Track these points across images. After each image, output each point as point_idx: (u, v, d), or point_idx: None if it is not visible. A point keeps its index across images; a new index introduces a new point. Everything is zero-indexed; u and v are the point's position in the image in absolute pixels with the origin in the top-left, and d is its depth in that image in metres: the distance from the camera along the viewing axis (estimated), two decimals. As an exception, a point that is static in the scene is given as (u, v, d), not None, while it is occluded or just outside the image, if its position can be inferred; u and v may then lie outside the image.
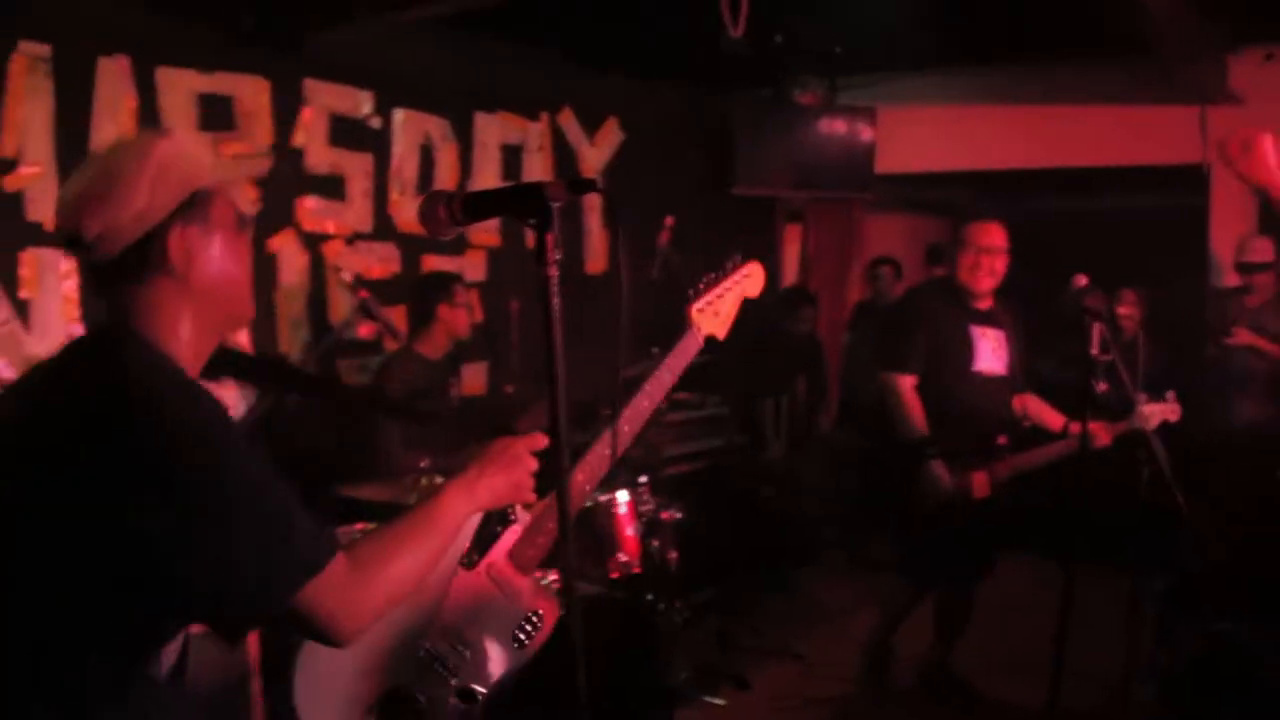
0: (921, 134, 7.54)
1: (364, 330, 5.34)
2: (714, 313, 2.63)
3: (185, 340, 1.76)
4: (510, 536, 2.32)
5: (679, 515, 4.94)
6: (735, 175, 7.21)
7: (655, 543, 4.71)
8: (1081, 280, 3.58)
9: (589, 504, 4.46)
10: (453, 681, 2.23)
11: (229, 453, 1.62)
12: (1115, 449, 4.09)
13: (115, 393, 1.62)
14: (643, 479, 4.81)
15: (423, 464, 4.09)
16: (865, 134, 7.35)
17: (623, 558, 4.52)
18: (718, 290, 2.64)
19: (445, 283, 4.91)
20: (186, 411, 1.62)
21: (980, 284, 4.38)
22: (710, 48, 5.33)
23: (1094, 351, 3.54)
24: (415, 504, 1.95)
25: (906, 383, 4.37)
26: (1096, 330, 3.53)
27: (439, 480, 4.06)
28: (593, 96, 6.59)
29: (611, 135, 6.73)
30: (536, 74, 6.25)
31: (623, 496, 4.56)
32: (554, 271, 1.61)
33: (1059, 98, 7.07)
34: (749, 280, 2.74)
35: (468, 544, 2.26)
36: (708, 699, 4.76)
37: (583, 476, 2.33)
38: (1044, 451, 4.32)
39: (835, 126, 7.35)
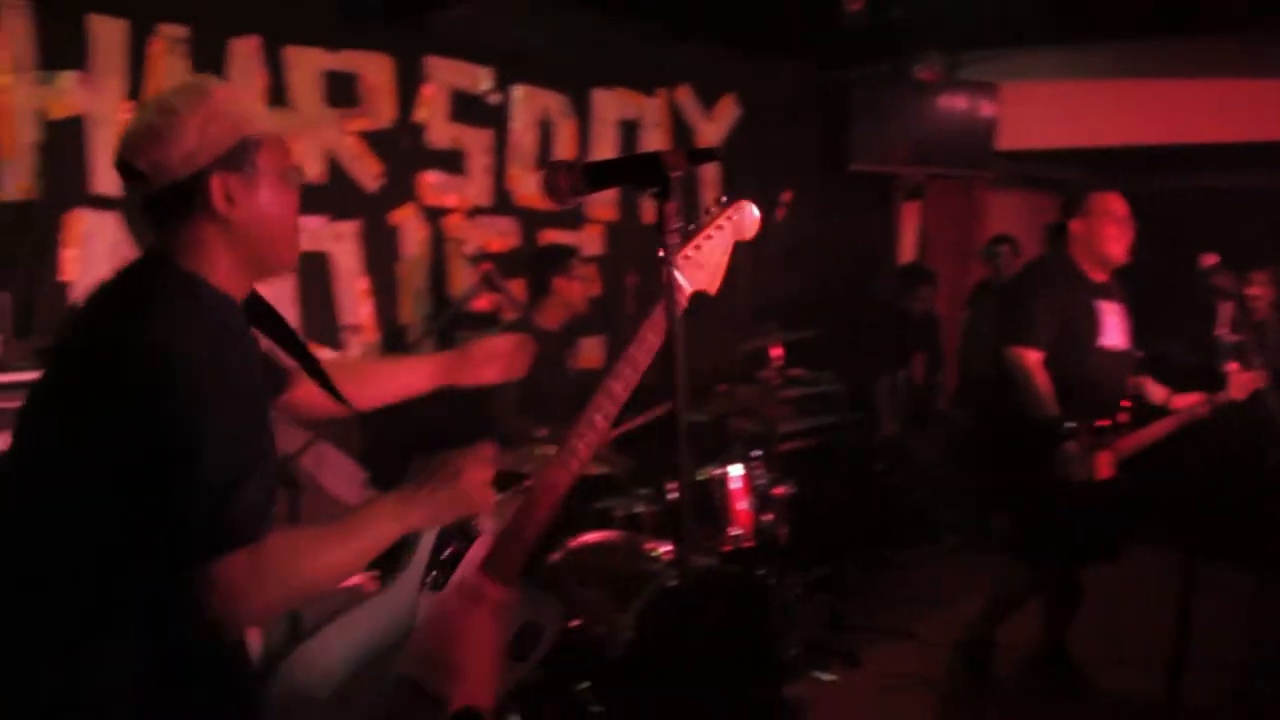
0: (1044, 110, 7.36)
1: (483, 302, 5.44)
2: (697, 265, 2.28)
3: (221, 278, 1.83)
4: (479, 550, 2.18)
5: (792, 491, 4.93)
6: (853, 152, 7.13)
7: (768, 517, 4.72)
8: (1210, 259, 3.47)
9: (702, 478, 4.50)
10: (447, 708, 2.09)
11: (206, 404, 1.65)
12: (1240, 432, 3.97)
13: (132, 329, 1.70)
14: (756, 453, 4.82)
15: (541, 433, 4.15)
16: (986, 110, 7.21)
17: (735, 531, 4.55)
18: (697, 240, 2.29)
19: (561, 255, 4.97)
20: (182, 355, 1.66)
21: (1118, 254, 4.24)
22: (829, 23, 5.29)
23: (1222, 332, 3.43)
24: (353, 510, 1.90)
25: (1033, 357, 4.20)
26: (1225, 310, 3.42)
27: (553, 451, 4.15)
28: (710, 72, 6.58)
29: (728, 111, 6.71)
30: (654, 50, 6.27)
31: (736, 470, 4.58)
32: (674, 240, 1.62)
33: (1186, 72, 6.86)
34: (738, 221, 2.35)
35: (421, 569, 2.12)
36: (817, 674, 4.76)
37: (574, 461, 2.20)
38: (1159, 428, 4.19)
39: (955, 102, 7.22)
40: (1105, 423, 4.08)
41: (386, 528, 1.89)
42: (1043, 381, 4.15)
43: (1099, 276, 4.33)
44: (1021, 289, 4.46)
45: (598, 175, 1.71)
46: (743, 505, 4.60)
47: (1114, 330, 4.31)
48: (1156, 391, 4.35)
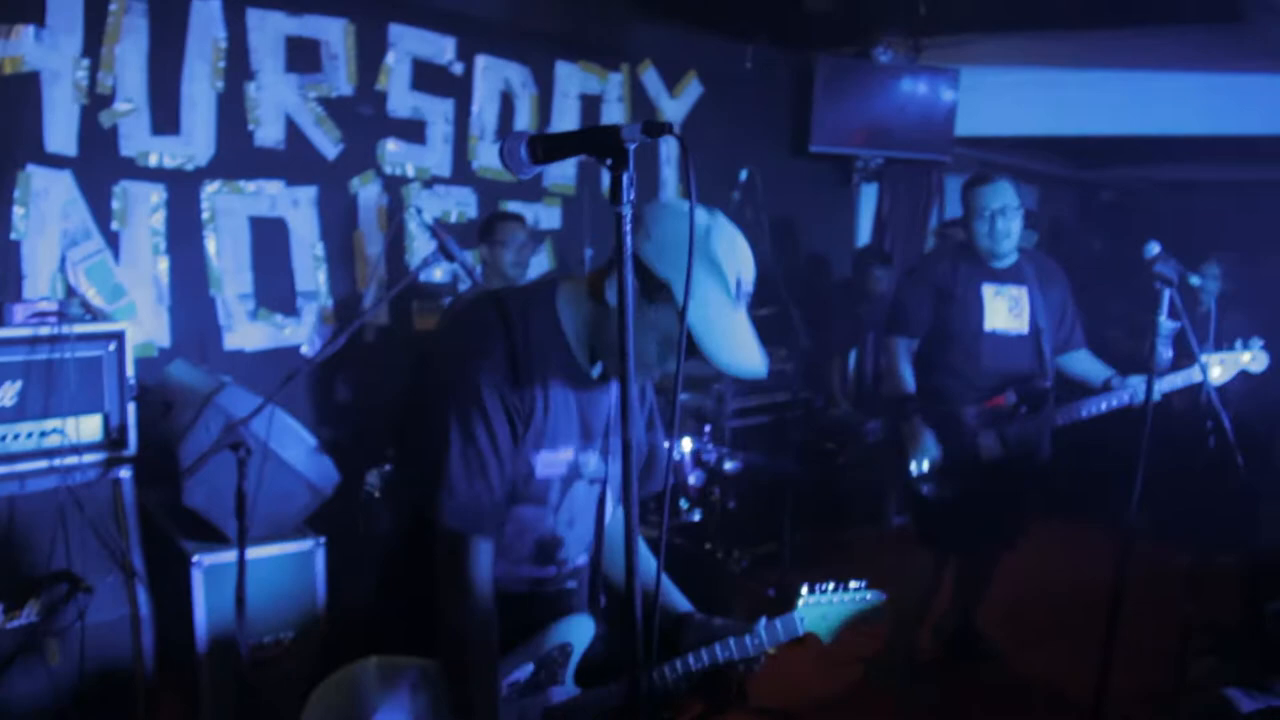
0: (1004, 97, 7.43)
1: (439, 272, 5.44)
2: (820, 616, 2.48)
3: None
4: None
5: (742, 466, 4.97)
6: (813, 133, 7.18)
7: (716, 491, 4.77)
8: (1154, 248, 3.51)
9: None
10: None
11: (473, 407, 2.06)
12: (1183, 413, 4.02)
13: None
14: (706, 428, 4.86)
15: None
16: (947, 96, 7.27)
17: (683, 504, 4.59)
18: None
19: (489, 223, 4.99)
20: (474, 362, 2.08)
21: (1001, 246, 4.29)
22: (794, 3, 5.28)
23: (1162, 318, 3.47)
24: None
25: (900, 344, 4.45)
26: (1166, 297, 3.46)
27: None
28: (674, 49, 6.58)
29: (691, 89, 6.72)
30: (618, 25, 6.27)
31: (686, 444, 4.62)
32: (627, 211, 1.64)
33: (1150, 63, 6.92)
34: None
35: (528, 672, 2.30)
36: (761, 648, 4.80)
37: None
38: (1080, 407, 4.23)
39: (916, 88, 7.29)
40: (997, 402, 4.17)
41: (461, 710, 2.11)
42: (902, 366, 4.44)
43: (999, 261, 4.37)
44: (908, 279, 4.67)
45: (555, 146, 1.73)
46: (691, 479, 4.64)
47: (1005, 314, 4.35)
48: (1096, 372, 4.39)
